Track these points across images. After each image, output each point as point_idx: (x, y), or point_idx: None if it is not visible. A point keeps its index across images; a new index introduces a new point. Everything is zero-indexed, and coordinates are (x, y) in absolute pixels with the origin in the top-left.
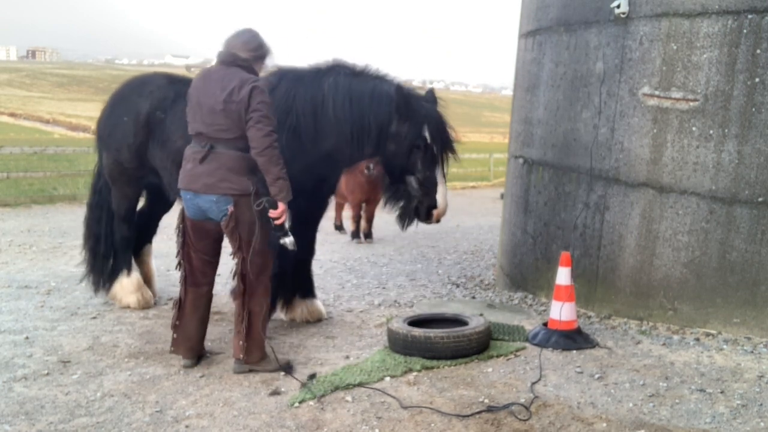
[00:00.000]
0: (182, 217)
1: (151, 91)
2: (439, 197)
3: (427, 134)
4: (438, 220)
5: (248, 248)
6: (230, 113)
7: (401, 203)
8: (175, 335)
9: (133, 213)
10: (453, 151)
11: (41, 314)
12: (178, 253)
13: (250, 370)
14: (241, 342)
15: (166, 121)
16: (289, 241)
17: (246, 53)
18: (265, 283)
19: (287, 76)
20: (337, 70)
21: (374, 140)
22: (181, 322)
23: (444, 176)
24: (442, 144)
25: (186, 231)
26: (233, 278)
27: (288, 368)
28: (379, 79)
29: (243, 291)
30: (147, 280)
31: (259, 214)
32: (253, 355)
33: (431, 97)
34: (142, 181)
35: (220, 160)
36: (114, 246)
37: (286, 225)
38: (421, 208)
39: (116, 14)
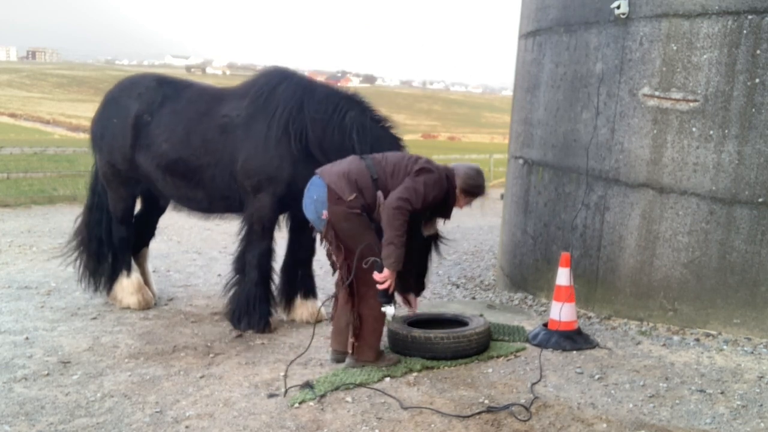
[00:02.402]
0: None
1: (140, 93)
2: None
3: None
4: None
5: (352, 256)
6: (401, 163)
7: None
8: (332, 327)
9: (130, 214)
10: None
11: (41, 315)
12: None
13: (364, 367)
14: (352, 340)
15: (151, 124)
16: (389, 311)
17: (460, 181)
18: (375, 289)
19: (291, 79)
20: (361, 108)
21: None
22: (335, 315)
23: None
24: (437, 237)
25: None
26: (336, 285)
27: (396, 363)
28: (397, 142)
29: (351, 297)
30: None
31: (365, 227)
32: (365, 355)
33: None
34: (136, 183)
35: (352, 165)
36: (113, 247)
37: (390, 292)
38: (408, 285)
39: (116, 15)
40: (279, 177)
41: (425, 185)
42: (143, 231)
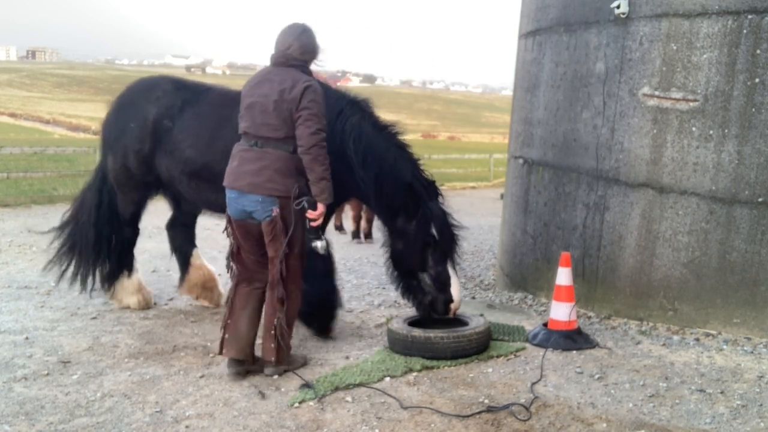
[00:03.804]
0: (228, 218)
1: (157, 98)
2: (454, 292)
3: (434, 232)
4: (454, 313)
5: (291, 252)
6: (281, 112)
7: (417, 299)
8: (225, 335)
9: (138, 216)
10: (459, 246)
11: (41, 314)
12: (228, 254)
13: (285, 371)
14: (273, 345)
15: (173, 130)
16: (320, 245)
17: (302, 55)
18: (300, 287)
19: None
20: (363, 114)
21: (382, 212)
22: (231, 321)
23: (455, 270)
24: (450, 240)
25: (232, 229)
26: (274, 282)
27: (307, 362)
28: (400, 151)
29: (282, 295)
30: (209, 282)
31: (299, 216)
32: (283, 354)
33: (435, 190)
34: (150, 187)
35: (268, 160)
36: (118, 247)
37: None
38: (437, 303)
39: (116, 14)
40: None
41: (318, 104)
42: (186, 233)
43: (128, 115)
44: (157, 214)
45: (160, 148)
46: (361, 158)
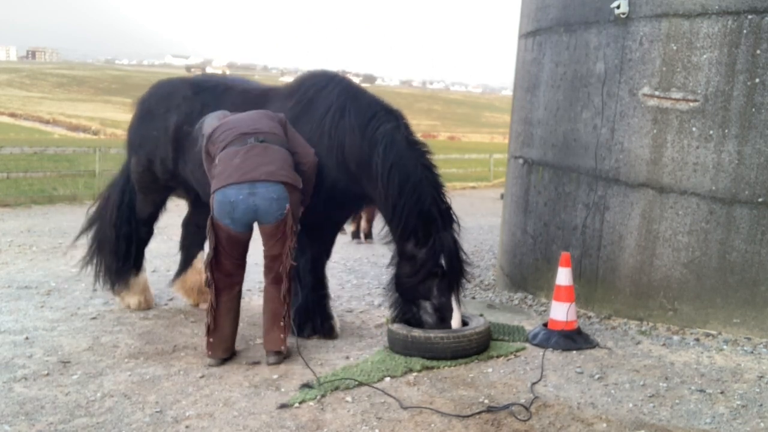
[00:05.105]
0: (212, 226)
1: (177, 105)
2: (455, 324)
3: (443, 262)
4: None
5: (293, 247)
6: (270, 120)
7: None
8: (211, 339)
9: (155, 218)
10: (467, 279)
11: (41, 314)
12: (207, 264)
13: (285, 357)
14: (282, 335)
15: (193, 134)
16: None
17: None
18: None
19: (340, 83)
20: (397, 124)
21: (394, 232)
22: (216, 326)
23: (458, 302)
24: (458, 273)
25: (219, 240)
26: (279, 278)
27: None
28: (426, 172)
29: (287, 289)
30: (205, 287)
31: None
32: (286, 341)
33: (450, 218)
34: (170, 190)
35: (275, 152)
36: (132, 246)
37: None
38: None
39: (116, 15)
40: (319, 181)
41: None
42: (197, 235)
43: (150, 123)
44: None
45: (183, 153)
46: (387, 170)
